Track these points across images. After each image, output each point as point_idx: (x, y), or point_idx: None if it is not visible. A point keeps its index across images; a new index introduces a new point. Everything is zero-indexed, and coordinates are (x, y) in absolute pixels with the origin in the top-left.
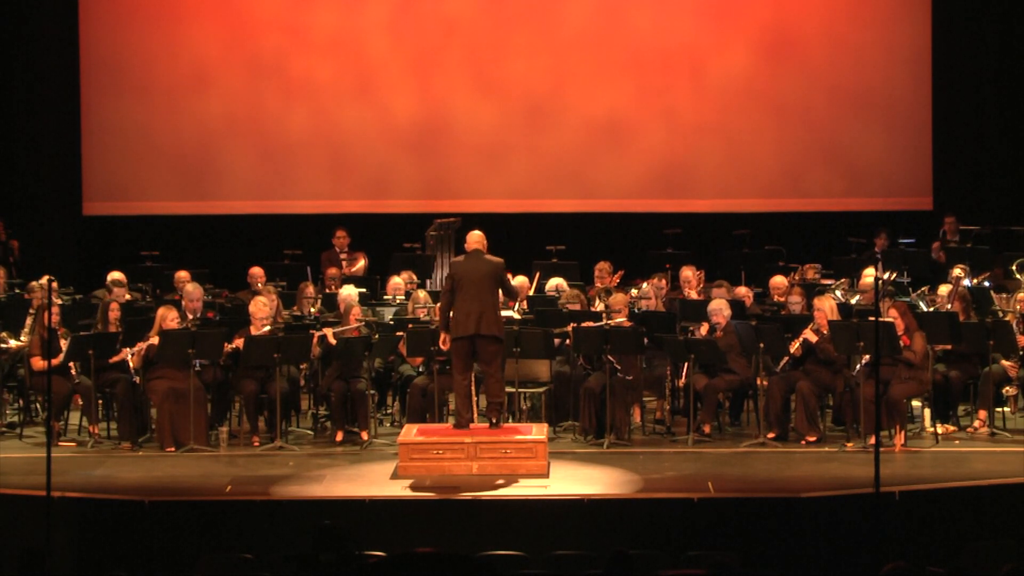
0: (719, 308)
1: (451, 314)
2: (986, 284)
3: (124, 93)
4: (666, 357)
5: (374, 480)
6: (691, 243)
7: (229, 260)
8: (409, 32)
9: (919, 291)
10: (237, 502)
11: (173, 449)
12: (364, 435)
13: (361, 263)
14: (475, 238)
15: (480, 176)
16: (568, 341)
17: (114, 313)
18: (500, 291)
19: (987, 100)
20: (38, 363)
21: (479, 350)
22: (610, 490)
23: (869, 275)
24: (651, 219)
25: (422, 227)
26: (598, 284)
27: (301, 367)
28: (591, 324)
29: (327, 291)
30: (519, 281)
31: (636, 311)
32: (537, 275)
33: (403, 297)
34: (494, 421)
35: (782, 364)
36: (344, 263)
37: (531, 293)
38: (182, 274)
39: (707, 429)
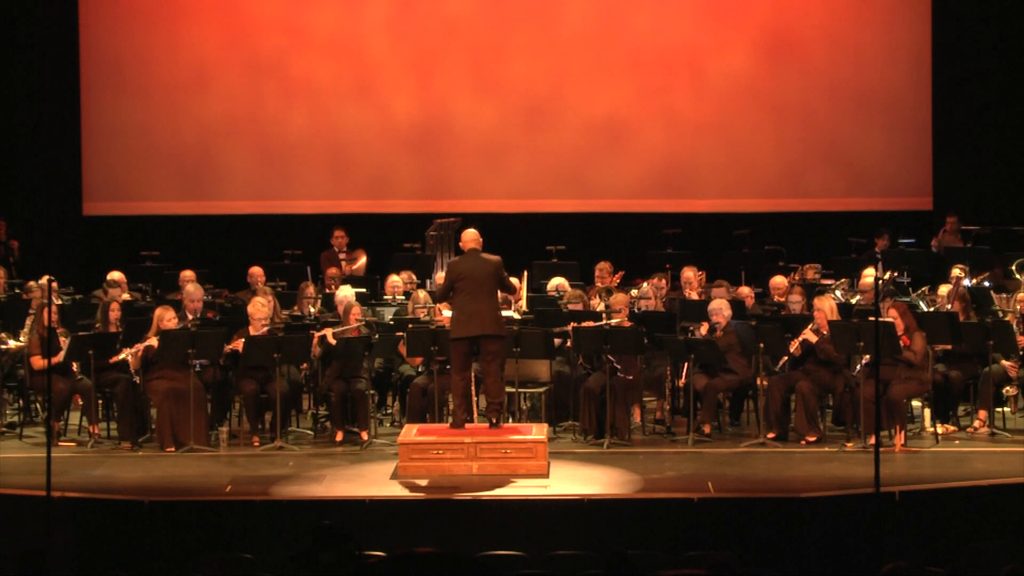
0: (719, 308)
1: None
2: (986, 284)
3: (124, 93)
4: (666, 357)
5: (374, 480)
6: (691, 243)
7: (229, 260)
8: (409, 32)
9: (919, 291)
10: (237, 502)
11: (173, 449)
12: (364, 435)
13: (362, 260)
14: (471, 236)
15: (480, 176)
16: (568, 341)
17: (114, 313)
18: (499, 288)
19: (987, 100)
20: (38, 362)
21: (482, 349)
22: (610, 490)
23: (869, 275)
24: (651, 219)
25: (422, 227)
26: (598, 284)
27: (301, 367)
28: (591, 324)
29: (327, 291)
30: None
31: (636, 311)
32: (525, 274)
33: (401, 296)
34: (494, 421)
35: (782, 364)
36: (343, 263)
37: (522, 295)
38: (187, 273)
39: (707, 429)
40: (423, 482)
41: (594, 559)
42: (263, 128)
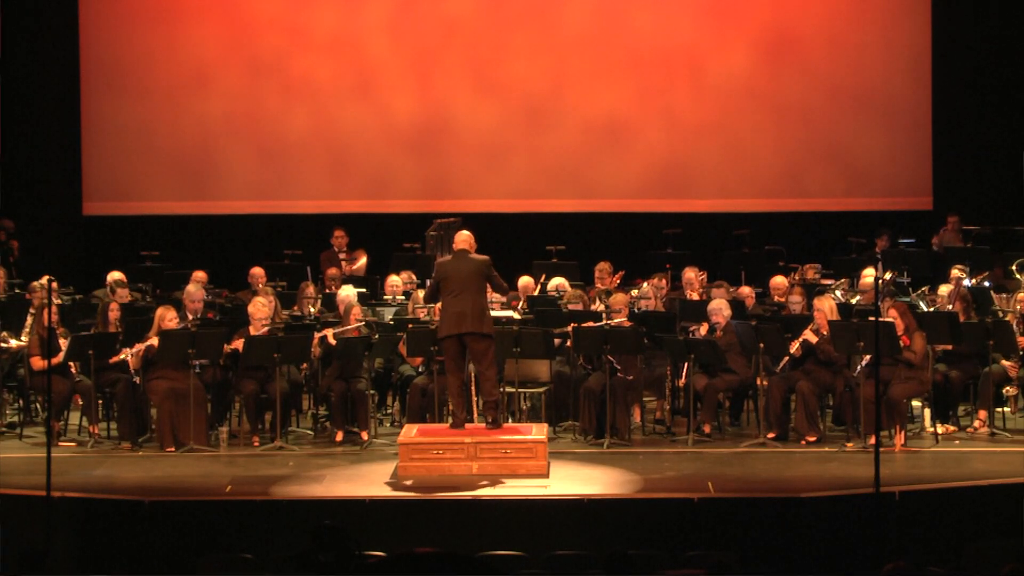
0: (719, 308)
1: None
2: (986, 284)
3: (124, 93)
4: (666, 357)
5: (374, 480)
6: (691, 243)
7: (229, 260)
8: (409, 32)
9: (919, 291)
10: (237, 502)
11: (173, 449)
12: (364, 435)
13: (362, 261)
14: (463, 238)
15: (480, 176)
16: (568, 341)
17: (114, 313)
18: (490, 288)
19: (987, 100)
20: (38, 363)
21: (469, 348)
22: (610, 490)
23: (869, 275)
24: (651, 219)
25: (422, 227)
26: (598, 284)
27: (301, 367)
28: (591, 324)
29: (327, 291)
30: (524, 281)
31: (636, 311)
32: (543, 276)
33: (401, 296)
34: (491, 420)
35: (782, 364)
36: (343, 263)
37: (535, 293)
38: (199, 274)
39: (707, 429)
40: (423, 482)
41: (594, 559)
42: (263, 128)
